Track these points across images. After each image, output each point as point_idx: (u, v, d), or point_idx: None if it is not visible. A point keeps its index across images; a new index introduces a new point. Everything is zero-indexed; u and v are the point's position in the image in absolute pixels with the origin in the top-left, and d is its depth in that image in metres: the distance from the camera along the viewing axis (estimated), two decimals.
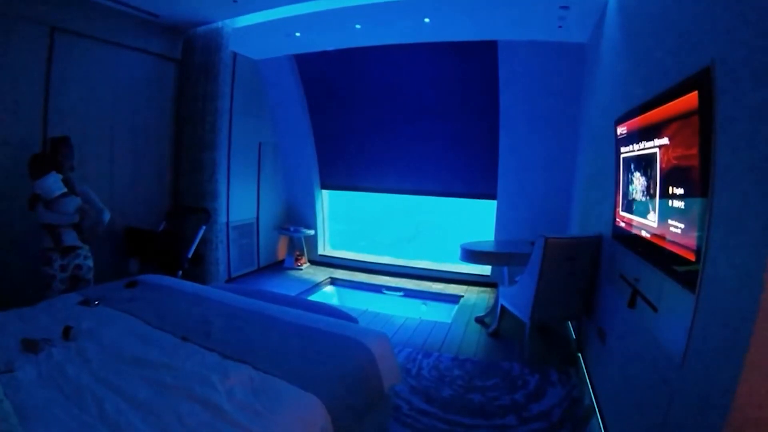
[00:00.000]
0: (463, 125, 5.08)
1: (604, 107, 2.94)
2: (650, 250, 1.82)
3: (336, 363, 1.90)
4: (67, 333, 2.00)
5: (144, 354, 1.87)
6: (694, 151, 1.43)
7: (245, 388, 1.64)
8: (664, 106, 1.70)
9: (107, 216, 3.18)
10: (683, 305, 1.44)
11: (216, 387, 1.61)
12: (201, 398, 1.54)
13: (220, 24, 4.25)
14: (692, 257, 1.42)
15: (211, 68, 4.32)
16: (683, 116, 1.53)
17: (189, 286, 2.99)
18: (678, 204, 1.56)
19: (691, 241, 1.43)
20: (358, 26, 4.22)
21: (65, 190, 2.89)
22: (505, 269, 3.91)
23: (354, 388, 1.84)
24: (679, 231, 1.54)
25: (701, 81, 1.39)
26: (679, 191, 1.56)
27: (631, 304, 1.92)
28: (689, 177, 1.49)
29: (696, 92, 1.41)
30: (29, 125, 3.30)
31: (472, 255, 3.73)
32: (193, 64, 4.39)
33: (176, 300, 2.64)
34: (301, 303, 2.92)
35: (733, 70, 1.23)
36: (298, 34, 4.50)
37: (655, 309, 1.70)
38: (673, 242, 1.58)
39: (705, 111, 1.36)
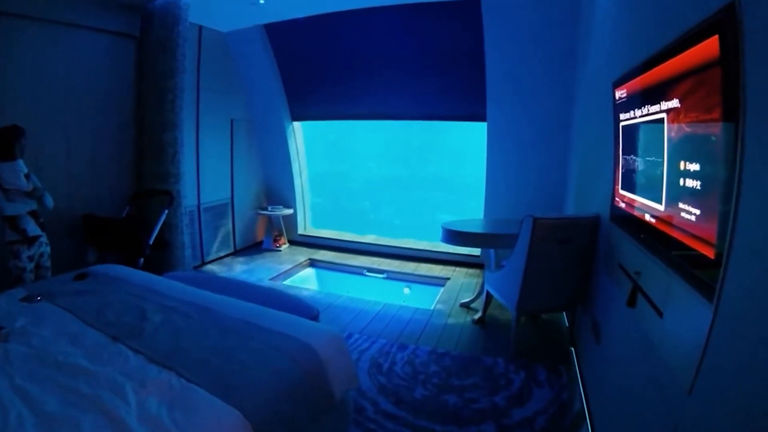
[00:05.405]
0: (448, 88, 4.70)
1: (601, 68, 2.55)
2: (655, 239, 1.48)
3: (272, 369, 1.67)
4: None
5: (68, 357, 1.73)
6: (715, 114, 1.08)
7: (162, 398, 1.47)
8: (673, 60, 1.33)
9: (50, 200, 3.00)
10: (696, 315, 1.11)
11: (128, 398, 1.46)
12: (109, 411, 1.38)
13: None
14: (710, 254, 1.08)
15: (168, 43, 3.98)
16: (699, 70, 1.17)
17: (140, 276, 2.76)
18: (692, 183, 1.21)
19: (710, 232, 1.09)
20: None
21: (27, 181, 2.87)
22: (492, 252, 3.58)
23: (292, 398, 1.62)
24: (693, 218, 1.19)
25: (723, 21, 1.02)
26: (694, 167, 1.20)
27: (631, 303, 1.60)
28: (708, 148, 1.14)
29: (716, 36, 1.05)
30: None
31: (454, 236, 3.39)
32: (151, 40, 4.05)
33: (121, 293, 2.42)
34: (257, 293, 2.67)
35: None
36: (261, 1, 4.10)
37: (659, 313, 1.38)
38: (685, 232, 1.24)
39: (729, 60, 1.01)
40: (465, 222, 3.81)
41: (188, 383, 1.55)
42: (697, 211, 1.18)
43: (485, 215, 4.70)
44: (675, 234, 1.31)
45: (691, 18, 1.20)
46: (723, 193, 1.03)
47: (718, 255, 1.04)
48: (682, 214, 1.26)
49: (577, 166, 3.50)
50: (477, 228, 3.67)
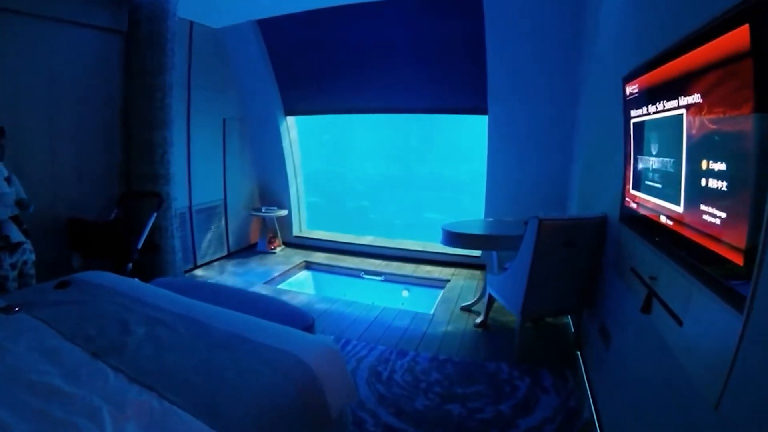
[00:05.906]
0: (448, 81, 4.60)
1: (609, 62, 2.46)
2: (673, 243, 1.40)
3: (263, 387, 1.55)
4: None
5: (43, 376, 1.57)
6: (746, 109, 1.00)
7: (142, 424, 1.33)
8: (694, 52, 1.25)
9: (31, 207, 2.87)
10: (724, 326, 1.03)
11: (104, 425, 1.31)
12: None
13: None
14: (739, 260, 1.00)
15: (157, 38, 3.83)
16: (726, 62, 1.08)
17: (126, 284, 2.60)
18: (717, 184, 1.12)
19: (739, 237, 1.01)
20: None
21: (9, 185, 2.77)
22: (494, 254, 3.49)
23: (284, 418, 1.50)
24: (717, 221, 1.11)
25: (756, 8, 0.94)
26: (719, 166, 1.12)
27: (646, 309, 1.52)
28: (736, 146, 1.05)
29: (747, 25, 0.97)
30: None
31: (454, 238, 3.30)
32: (139, 36, 3.89)
33: (105, 303, 2.26)
34: (249, 300, 2.55)
35: None
36: None
37: (679, 321, 1.30)
38: (708, 236, 1.16)
39: (762, 51, 0.93)
40: (465, 223, 3.71)
41: (170, 405, 1.43)
42: (723, 214, 1.09)
43: (486, 215, 4.59)
44: (696, 238, 1.23)
45: (714, 7, 1.12)
46: (754, 194, 0.95)
47: (749, 261, 0.96)
48: (705, 216, 1.18)
49: (582, 163, 3.41)
50: (478, 229, 3.57)
